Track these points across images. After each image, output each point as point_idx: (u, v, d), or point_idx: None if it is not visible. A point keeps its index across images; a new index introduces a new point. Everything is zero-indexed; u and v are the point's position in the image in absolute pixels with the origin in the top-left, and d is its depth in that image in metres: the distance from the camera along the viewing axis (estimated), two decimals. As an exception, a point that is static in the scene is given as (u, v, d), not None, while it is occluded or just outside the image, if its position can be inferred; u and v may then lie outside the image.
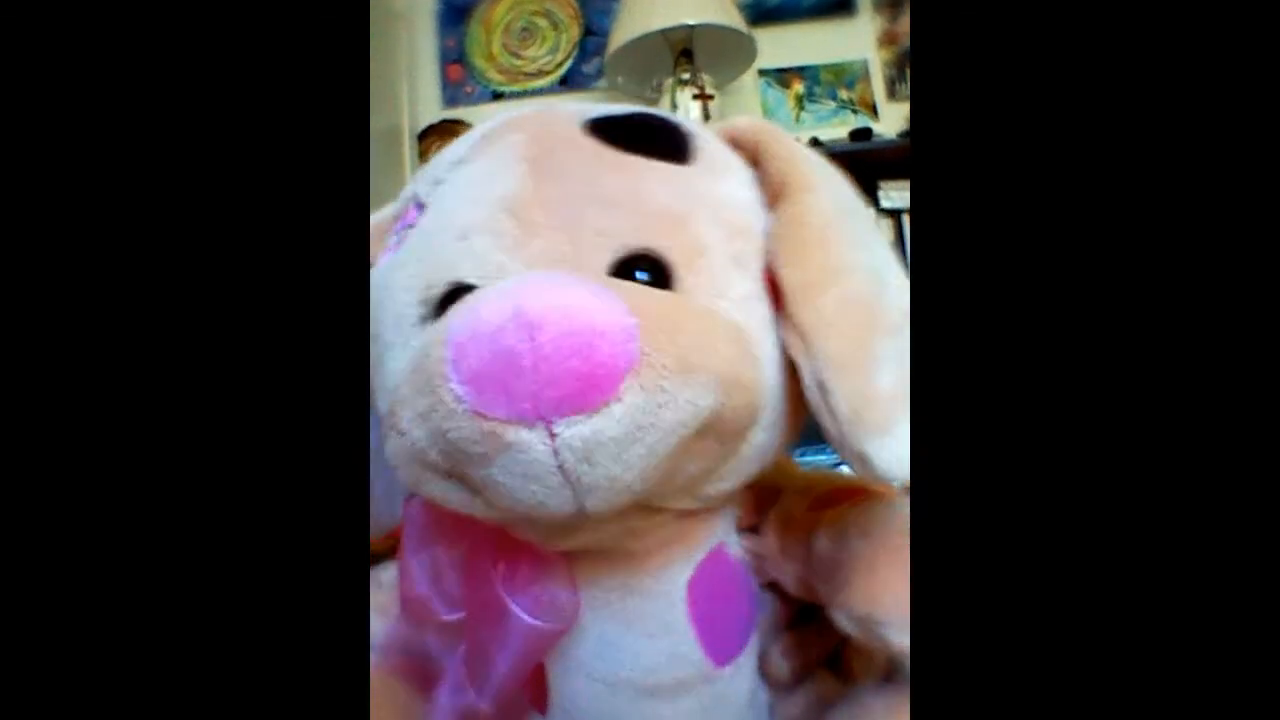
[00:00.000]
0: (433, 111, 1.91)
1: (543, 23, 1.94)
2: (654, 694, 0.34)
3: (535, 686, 0.35)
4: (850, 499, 0.35)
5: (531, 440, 0.24)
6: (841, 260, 0.30)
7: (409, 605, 0.35)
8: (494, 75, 1.93)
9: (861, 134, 1.66)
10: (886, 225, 1.66)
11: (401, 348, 0.30)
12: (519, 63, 1.93)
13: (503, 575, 0.31)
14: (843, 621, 0.31)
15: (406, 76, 1.89)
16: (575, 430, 0.24)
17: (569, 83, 1.93)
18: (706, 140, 0.33)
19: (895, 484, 0.28)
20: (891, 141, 1.62)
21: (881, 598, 0.30)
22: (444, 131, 1.85)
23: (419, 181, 0.34)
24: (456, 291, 0.29)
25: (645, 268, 0.28)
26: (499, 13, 1.94)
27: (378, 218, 0.36)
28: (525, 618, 0.30)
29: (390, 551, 0.38)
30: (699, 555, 0.34)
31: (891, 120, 1.82)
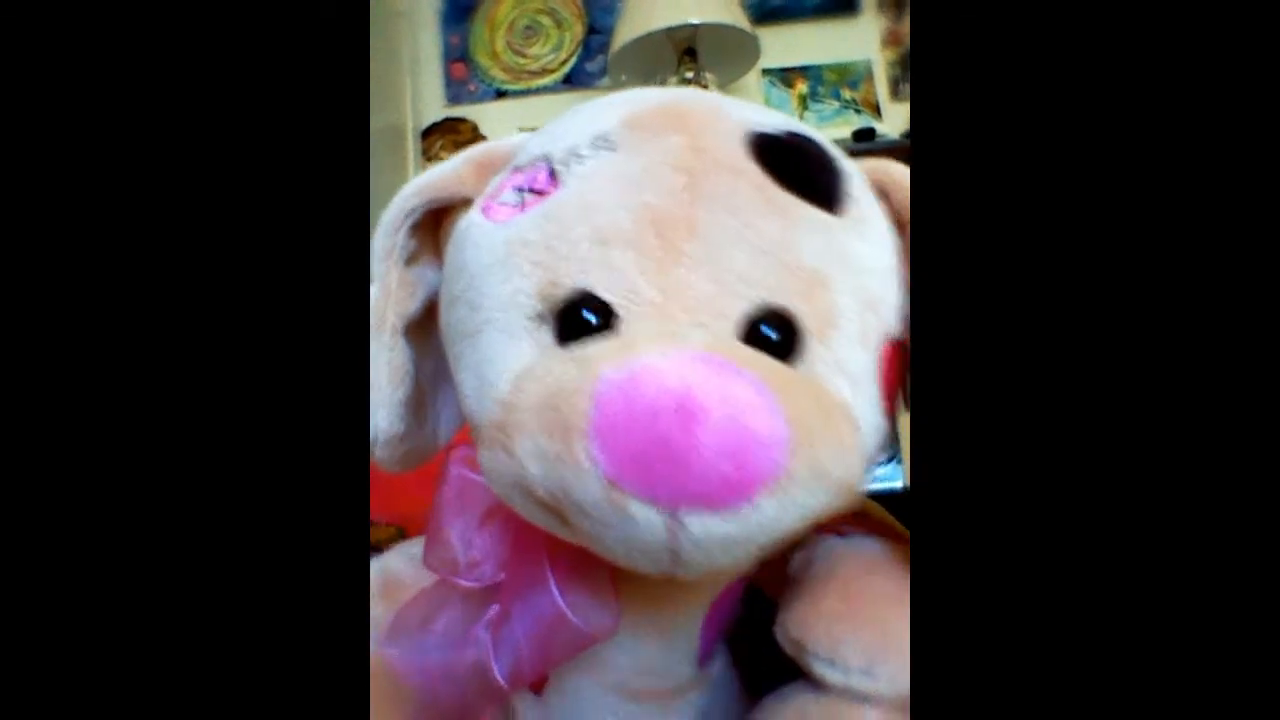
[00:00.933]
0: (436, 109, 1.91)
1: (546, 21, 1.94)
2: (644, 699, 0.34)
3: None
4: (846, 524, 0.35)
5: (653, 521, 0.24)
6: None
7: (442, 568, 0.34)
8: (498, 73, 1.93)
9: (865, 134, 1.66)
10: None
11: (510, 336, 0.29)
12: (523, 61, 1.93)
13: (553, 574, 0.31)
14: (780, 637, 0.32)
15: (410, 74, 1.89)
16: (701, 523, 0.24)
17: (573, 81, 1.92)
18: (856, 183, 0.32)
19: None
20: (895, 142, 1.62)
21: (814, 627, 0.30)
22: (447, 130, 1.85)
23: (551, 137, 0.32)
24: (584, 301, 0.28)
25: (776, 325, 0.28)
26: (503, 10, 1.94)
27: (483, 151, 0.34)
28: (572, 618, 0.30)
29: (387, 541, 0.38)
30: (731, 577, 0.35)
31: (895, 120, 1.81)
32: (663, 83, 1.68)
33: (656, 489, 0.23)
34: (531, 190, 0.30)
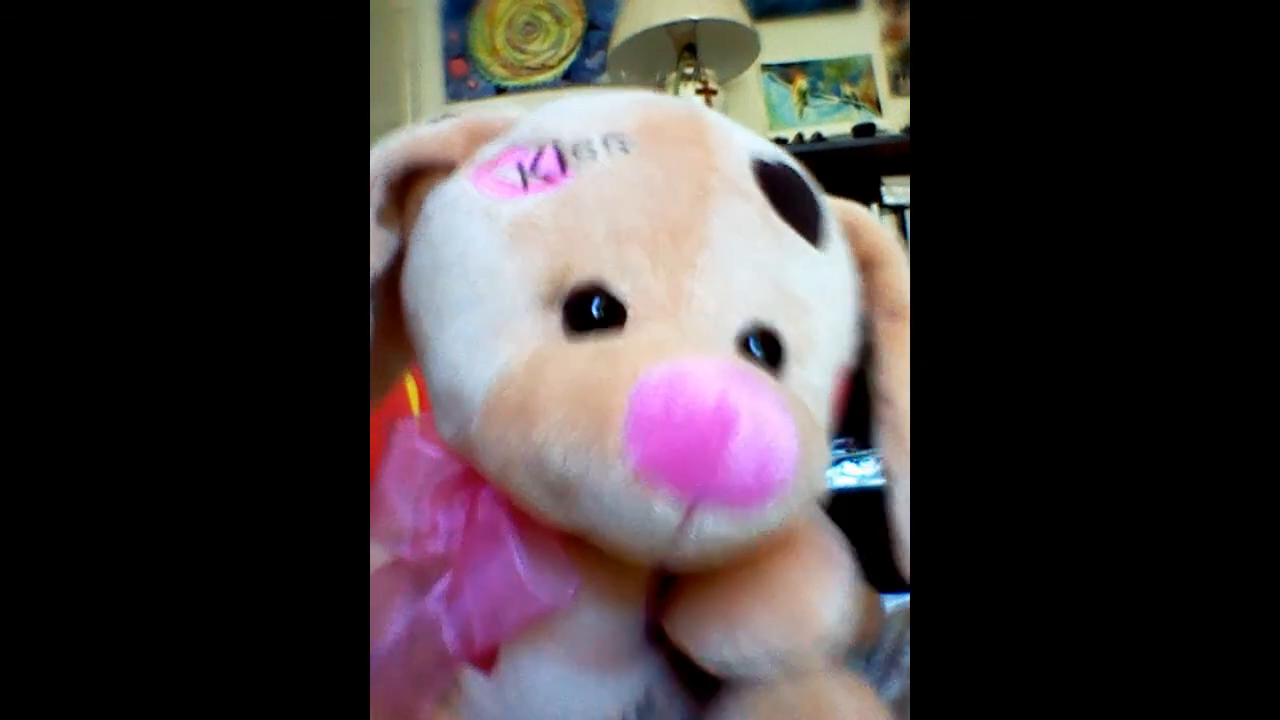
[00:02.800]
0: (436, 105, 1.90)
1: (546, 17, 1.94)
2: (593, 670, 0.34)
3: (487, 652, 0.35)
4: None
5: (669, 516, 0.25)
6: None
7: (388, 540, 0.34)
8: (497, 69, 1.93)
9: (865, 130, 1.66)
10: (890, 221, 1.66)
11: (512, 315, 0.29)
12: (522, 57, 1.93)
13: (514, 545, 0.32)
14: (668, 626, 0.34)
15: (409, 70, 1.89)
16: (713, 524, 0.25)
17: (572, 77, 1.92)
18: (832, 221, 0.35)
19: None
20: (895, 137, 1.61)
21: (682, 627, 0.33)
22: (447, 126, 1.85)
23: (558, 122, 0.32)
24: (594, 292, 0.29)
25: (763, 343, 0.30)
26: (502, 7, 1.94)
27: (476, 119, 0.34)
28: (532, 588, 0.31)
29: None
30: None
31: (895, 116, 1.81)
32: (662, 79, 1.68)
33: (684, 487, 0.24)
34: (537, 172, 0.31)
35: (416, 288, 0.32)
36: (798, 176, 0.34)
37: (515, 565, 0.31)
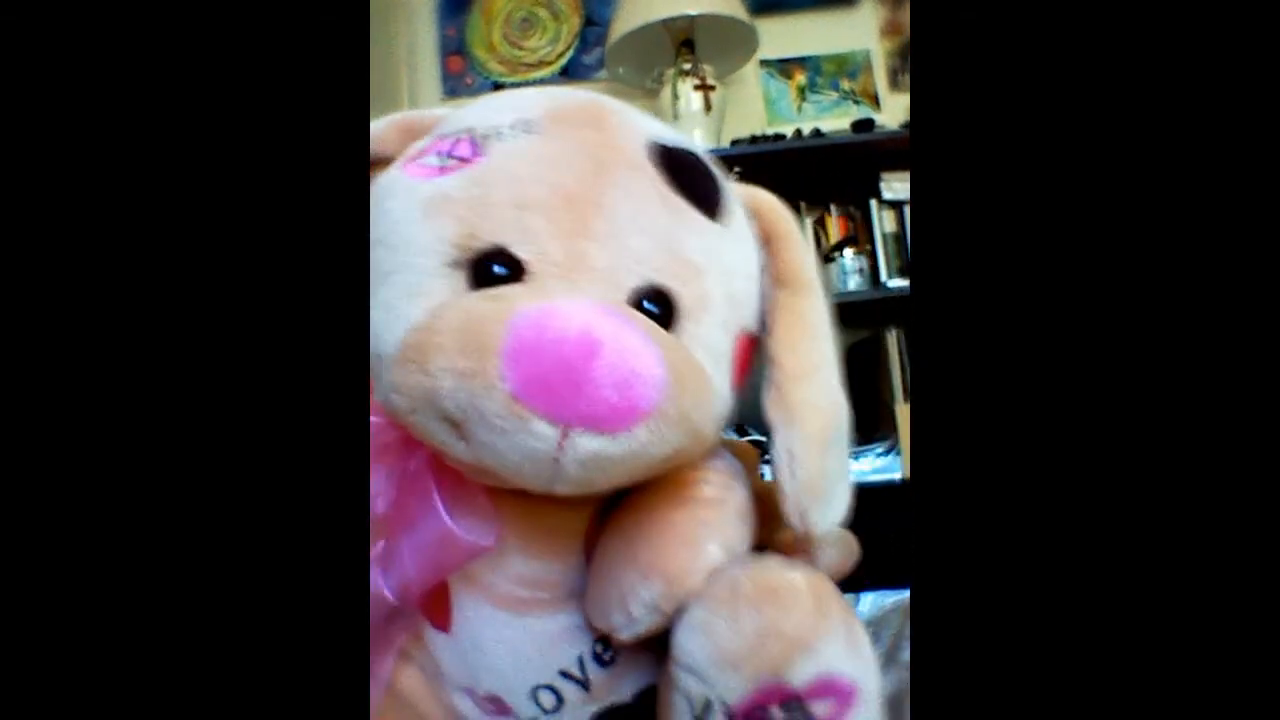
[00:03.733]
0: (433, 102, 1.90)
1: (543, 13, 1.94)
2: (535, 611, 0.37)
3: (439, 607, 0.37)
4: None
5: (546, 434, 0.28)
6: (824, 358, 0.36)
7: None
8: (494, 66, 1.93)
9: (863, 125, 1.65)
10: (889, 217, 1.66)
11: (426, 276, 0.32)
12: (519, 53, 1.93)
13: (439, 498, 0.35)
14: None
15: (406, 67, 1.89)
16: (586, 443, 0.28)
17: (569, 73, 1.92)
18: (734, 201, 0.38)
19: (823, 537, 0.35)
20: (894, 133, 1.61)
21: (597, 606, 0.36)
22: (444, 122, 1.85)
23: (475, 115, 0.36)
24: (496, 255, 0.32)
25: (656, 302, 0.33)
26: (499, 3, 1.93)
27: (406, 117, 0.38)
28: (458, 533, 0.34)
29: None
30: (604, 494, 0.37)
31: (894, 111, 1.81)
32: (660, 75, 1.68)
33: (554, 406, 0.28)
34: (453, 156, 0.34)
35: None
36: (697, 158, 0.37)
37: (441, 515, 0.34)
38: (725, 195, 0.37)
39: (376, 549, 0.36)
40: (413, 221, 0.33)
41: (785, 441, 0.34)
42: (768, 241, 0.38)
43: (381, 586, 0.35)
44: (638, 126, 0.36)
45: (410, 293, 0.32)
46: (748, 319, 0.36)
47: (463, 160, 0.33)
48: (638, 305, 0.32)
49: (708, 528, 0.35)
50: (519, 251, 0.31)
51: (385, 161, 0.37)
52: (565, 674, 0.37)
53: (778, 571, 0.31)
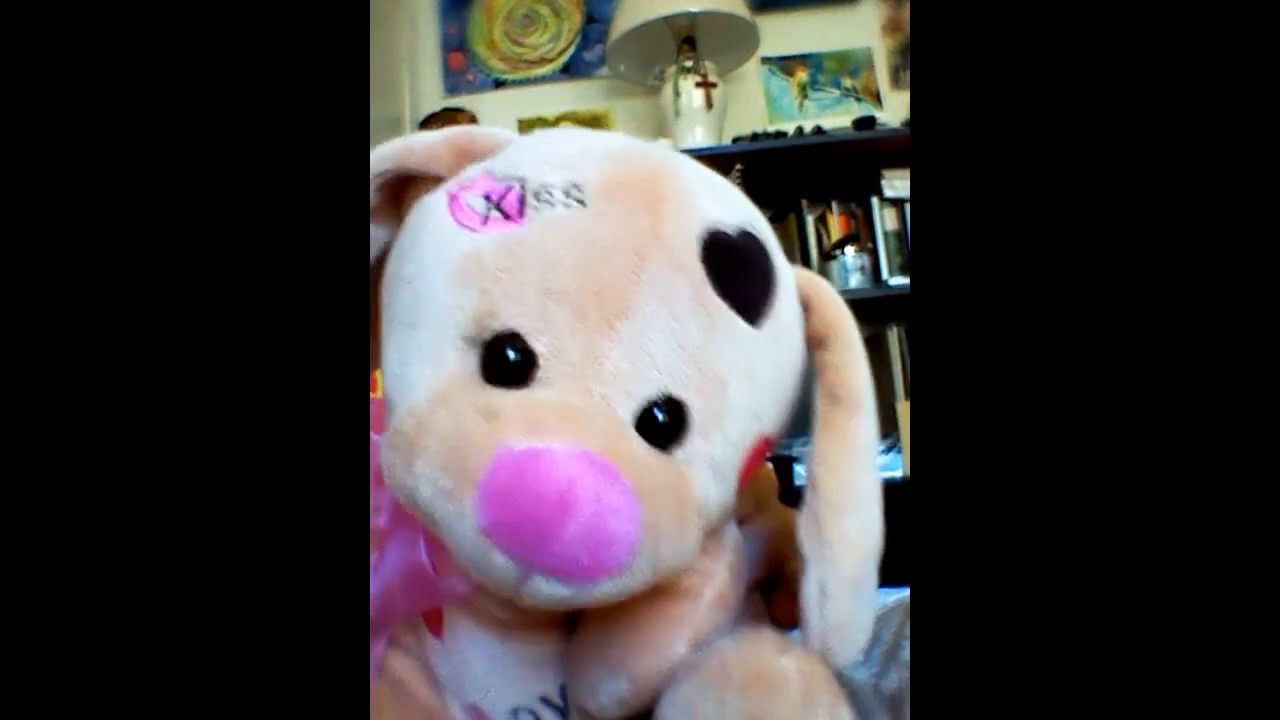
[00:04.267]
0: (434, 99, 1.90)
1: (544, 10, 1.94)
2: (519, 639, 0.38)
3: (433, 614, 0.38)
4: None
5: (509, 571, 0.28)
6: (867, 488, 0.34)
7: None
8: (496, 63, 1.93)
9: (865, 123, 1.66)
10: (890, 215, 1.66)
11: (439, 345, 0.32)
12: (521, 50, 1.93)
13: (425, 537, 0.36)
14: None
15: (408, 64, 1.89)
16: (547, 586, 0.29)
17: (571, 70, 1.92)
18: (783, 294, 0.35)
19: (840, 664, 0.34)
20: (895, 130, 1.61)
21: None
22: (445, 120, 1.85)
23: (530, 163, 0.34)
24: (512, 340, 0.31)
25: (669, 411, 0.32)
26: (501, 0, 1.93)
27: (466, 136, 0.36)
28: (433, 576, 0.35)
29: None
30: None
31: (895, 108, 1.81)
32: (661, 72, 1.68)
33: (519, 552, 0.28)
34: (499, 208, 0.33)
35: (386, 287, 0.35)
36: (751, 251, 0.35)
37: (421, 552, 0.35)
38: (774, 293, 0.35)
39: (373, 559, 0.37)
40: (442, 280, 0.32)
41: (818, 577, 0.33)
42: (819, 345, 0.36)
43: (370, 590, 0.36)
44: (696, 212, 0.34)
45: (424, 356, 0.32)
46: (768, 426, 0.35)
47: (506, 217, 0.32)
48: (648, 412, 0.31)
49: (679, 626, 0.34)
50: (535, 344, 0.31)
51: (435, 180, 0.35)
52: (545, 700, 0.38)
53: (770, 656, 0.31)
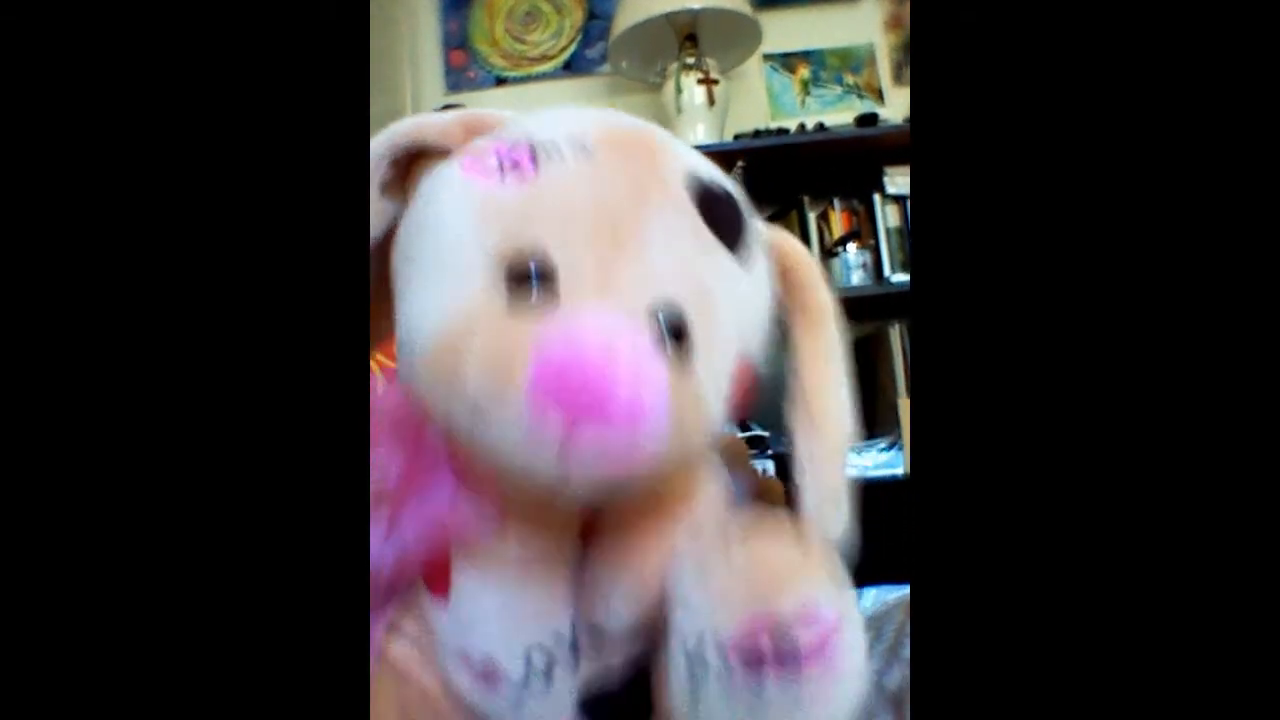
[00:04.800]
0: (435, 97, 1.90)
1: (546, 7, 1.93)
2: (529, 584, 0.40)
3: (439, 576, 0.40)
4: None
5: (555, 424, 0.30)
6: (841, 377, 0.40)
7: None
8: (497, 60, 1.92)
9: (867, 119, 1.65)
10: (892, 212, 1.65)
11: (468, 270, 0.35)
12: (522, 47, 1.92)
13: (451, 479, 0.38)
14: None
15: (409, 62, 1.88)
16: (593, 437, 0.31)
17: (572, 68, 1.92)
18: (757, 240, 0.40)
19: (833, 536, 0.38)
20: (898, 127, 1.60)
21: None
22: (447, 117, 1.84)
23: (534, 126, 0.39)
24: (534, 258, 0.34)
25: (670, 318, 0.35)
26: (502, -3, 1.93)
27: (475, 116, 0.41)
28: (461, 516, 0.37)
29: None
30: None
31: (898, 105, 1.80)
32: (663, 69, 1.67)
33: (569, 408, 0.30)
34: (512, 162, 0.36)
35: (403, 245, 0.38)
36: (731, 197, 0.40)
37: (450, 496, 0.37)
38: (750, 234, 0.40)
39: (382, 520, 0.38)
40: (463, 223, 0.35)
41: (808, 448, 0.38)
42: (785, 275, 0.42)
43: (383, 556, 0.37)
44: (681, 160, 0.39)
45: (449, 290, 0.34)
46: (752, 349, 0.39)
47: (519, 169, 0.36)
48: (652, 318, 0.34)
49: (677, 523, 0.38)
50: (555, 257, 0.34)
51: (446, 153, 0.39)
52: (558, 635, 0.40)
53: (766, 518, 0.35)
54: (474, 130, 0.40)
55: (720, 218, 0.38)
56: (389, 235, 0.39)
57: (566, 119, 0.39)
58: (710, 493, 0.41)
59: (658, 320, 0.35)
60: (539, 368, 0.30)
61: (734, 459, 0.47)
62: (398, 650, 0.41)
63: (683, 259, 0.36)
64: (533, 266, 0.34)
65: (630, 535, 0.38)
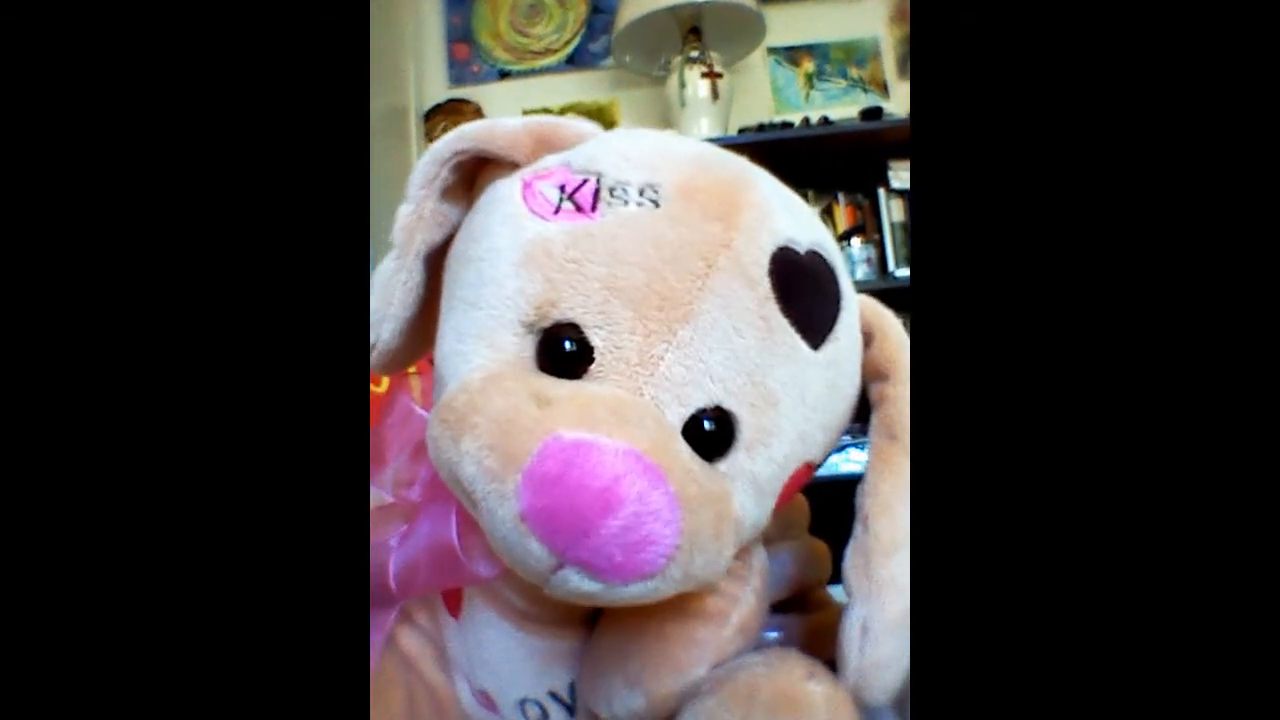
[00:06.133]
0: (439, 91, 1.90)
1: (549, 0, 1.93)
2: (537, 629, 0.38)
3: (453, 594, 0.39)
4: None
5: (542, 558, 0.28)
6: (908, 530, 0.33)
7: (376, 484, 0.39)
8: (501, 54, 1.92)
9: (872, 113, 1.65)
10: (897, 206, 1.65)
11: (498, 327, 0.32)
12: (526, 41, 1.92)
13: (457, 515, 0.36)
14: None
15: (413, 55, 1.88)
16: (577, 578, 0.29)
17: (576, 61, 1.91)
18: (846, 320, 0.35)
19: (873, 704, 0.33)
20: (903, 120, 1.60)
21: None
22: (450, 111, 1.85)
23: (609, 158, 0.34)
24: (570, 330, 0.31)
25: (717, 422, 0.31)
26: (505, -10, 1.93)
27: (549, 127, 0.37)
28: (460, 556, 0.35)
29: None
30: None
31: (903, 99, 1.80)
32: (667, 63, 1.67)
33: (555, 542, 0.28)
34: (572, 199, 0.33)
35: (451, 266, 0.35)
36: (820, 271, 0.34)
37: (452, 531, 0.35)
38: (837, 319, 0.34)
39: (402, 528, 0.37)
40: (508, 263, 0.32)
41: (862, 615, 0.33)
42: (878, 377, 0.36)
43: (389, 570, 0.36)
44: (770, 226, 0.33)
45: (481, 335, 0.32)
46: (813, 452, 0.35)
47: (579, 209, 0.32)
48: (697, 421, 0.31)
49: (702, 649, 0.34)
50: (593, 338, 0.31)
51: (512, 166, 0.36)
52: (554, 695, 0.38)
53: (798, 679, 0.31)
54: (545, 142, 0.36)
55: (804, 303, 0.33)
56: (448, 240, 0.36)
57: (650, 152, 0.35)
58: (743, 606, 0.36)
59: (700, 421, 0.31)
60: (530, 499, 0.28)
61: (789, 526, 0.42)
62: (409, 643, 0.40)
63: (743, 355, 0.32)
64: (566, 346, 0.31)
65: (640, 646, 0.34)
